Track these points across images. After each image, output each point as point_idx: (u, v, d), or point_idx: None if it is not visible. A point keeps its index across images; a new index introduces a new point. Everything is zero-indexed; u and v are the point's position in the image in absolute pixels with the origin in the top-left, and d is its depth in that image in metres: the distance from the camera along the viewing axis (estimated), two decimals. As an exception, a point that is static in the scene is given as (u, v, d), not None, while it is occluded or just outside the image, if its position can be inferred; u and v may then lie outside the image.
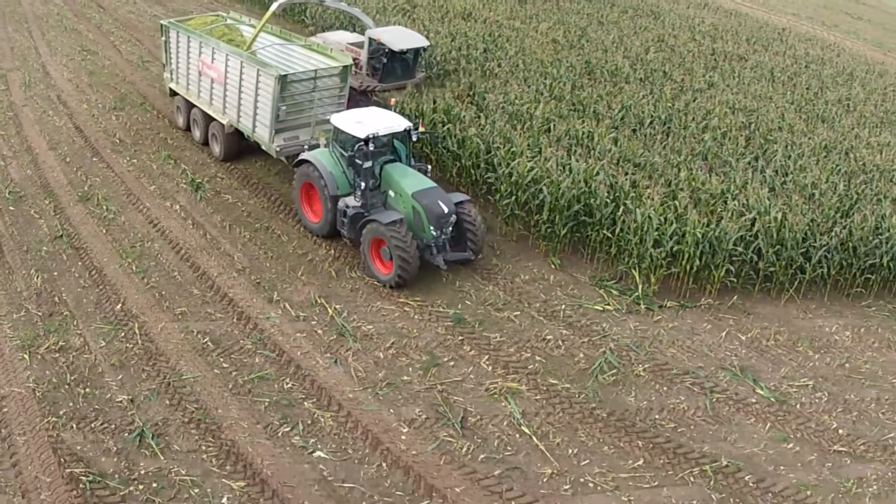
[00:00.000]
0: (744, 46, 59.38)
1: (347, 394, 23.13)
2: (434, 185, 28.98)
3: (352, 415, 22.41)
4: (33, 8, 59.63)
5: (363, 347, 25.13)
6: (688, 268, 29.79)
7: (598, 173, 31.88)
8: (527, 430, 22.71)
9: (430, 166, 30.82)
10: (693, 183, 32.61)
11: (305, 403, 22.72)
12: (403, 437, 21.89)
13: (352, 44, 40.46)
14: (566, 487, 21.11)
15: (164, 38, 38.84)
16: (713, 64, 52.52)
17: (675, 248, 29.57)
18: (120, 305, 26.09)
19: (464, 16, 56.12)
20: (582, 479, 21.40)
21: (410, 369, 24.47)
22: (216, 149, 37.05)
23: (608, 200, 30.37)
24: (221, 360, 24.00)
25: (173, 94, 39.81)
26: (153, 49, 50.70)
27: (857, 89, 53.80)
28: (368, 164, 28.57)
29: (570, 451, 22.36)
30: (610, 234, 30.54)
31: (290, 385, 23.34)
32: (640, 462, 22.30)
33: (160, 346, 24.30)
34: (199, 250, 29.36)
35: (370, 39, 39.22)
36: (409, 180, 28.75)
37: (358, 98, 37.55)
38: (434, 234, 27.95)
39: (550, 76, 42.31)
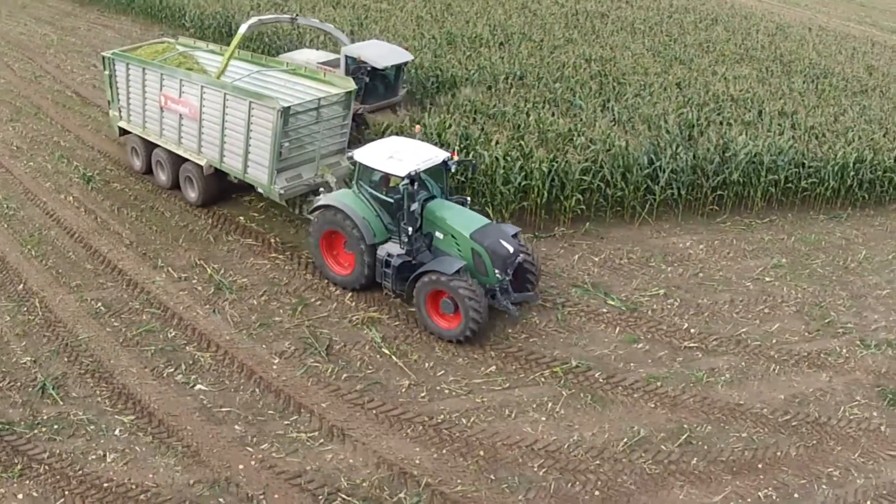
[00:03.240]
0: (606, 4, 61.98)
1: (225, 336, 25.82)
2: (488, 220, 26.62)
3: (228, 353, 25.11)
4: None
5: (239, 297, 27.78)
6: (538, 201, 32.42)
7: (449, 126, 34.56)
8: (387, 351, 25.53)
9: (468, 198, 28.19)
10: (541, 125, 35.38)
11: (187, 348, 25.37)
12: (275, 367, 24.65)
13: (323, 62, 36.95)
14: (423, 395, 23.91)
15: (107, 72, 34.82)
16: (574, 23, 55.25)
17: (523, 184, 32.12)
18: (22, 286, 28.31)
19: (333, 4, 58.08)
20: (438, 388, 24.20)
21: (281, 311, 27.19)
22: (191, 193, 33.53)
23: (460, 147, 32.78)
24: (113, 320, 26.50)
25: (123, 133, 36.17)
26: (44, 65, 52.42)
27: (719, 31, 56.92)
28: (415, 205, 25.72)
29: (427, 364, 25.17)
30: (463, 178, 32.97)
31: (173, 334, 25.93)
32: (493, 368, 25.10)
33: (59, 315, 26.70)
34: (92, 232, 31.59)
35: (348, 57, 36.11)
36: (461, 219, 26.11)
37: None
38: (499, 277, 25.54)
39: (412, 49, 43.05)
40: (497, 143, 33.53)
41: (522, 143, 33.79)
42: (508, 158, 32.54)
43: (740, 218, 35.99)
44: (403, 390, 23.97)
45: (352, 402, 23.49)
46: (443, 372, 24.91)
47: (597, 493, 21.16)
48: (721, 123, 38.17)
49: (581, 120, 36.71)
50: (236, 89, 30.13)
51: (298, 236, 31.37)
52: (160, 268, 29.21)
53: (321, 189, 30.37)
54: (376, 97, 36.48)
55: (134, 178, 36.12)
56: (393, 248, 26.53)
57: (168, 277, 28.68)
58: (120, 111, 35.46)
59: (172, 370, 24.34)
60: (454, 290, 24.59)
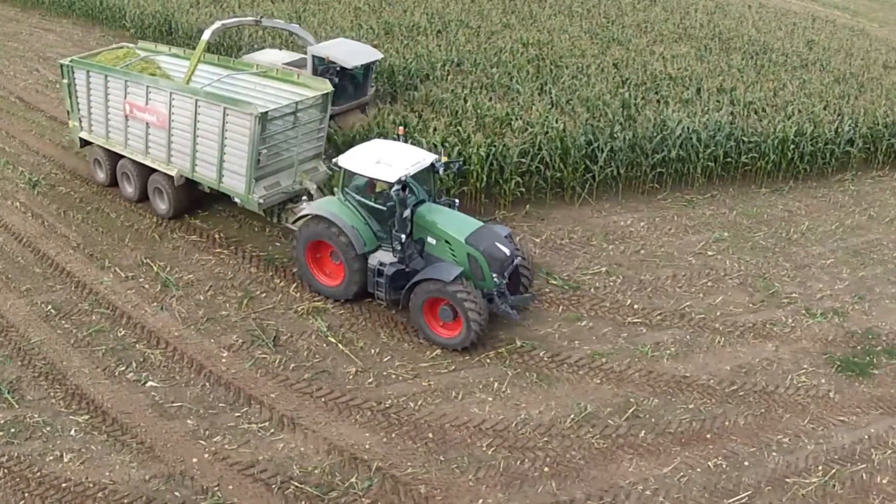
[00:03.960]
0: (543, -13, 61.63)
1: (173, 333, 26.02)
2: (481, 223, 25.95)
3: (177, 349, 25.33)
4: None
5: (185, 293, 27.97)
6: (478, 185, 32.75)
7: (388, 114, 34.91)
8: (333, 340, 25.85)
9: (457, 200, 27.57)
10: (479, 110, 35.66)
11: (137, 346, 25.56)
12: (224, 360, 24.96)
13: (288, 63, 35.47)
14: (370, 381, 24.26)
15: (66, 81, 33.12)
16: (512, 8, 55.56)
17: (462, 169, 32.10)
18: (-29, 294, 27.97)
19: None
20: (385, 373, 24.56)
21: (228, 305, 27.44)
22: (161, 206, 32.20)
23: (396, 136, 32.71)
24: (63, 322, 26.60)
25: (84, 144, 34.50)
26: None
27: (658, 11, 57.57)
28: (407, 212, 24.79)
29: (373, 351, 25.53)
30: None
31: (123, 333, 26.11)
32: (438, 352, 25.42)
33: (10, 320, 26.79)
34: (39, 236, 31.58)
35: (315, 57, 34.83)
36: (454, 223, 25.47)
37: None
38: (496, 281, 24.92)
39: (343, 36, 43.11)
40: (435, 129, 33.83)
41: (460, 128, 34.07)
42: (447, 145, 32.77)
43: (681, 194, 36.52)
44: (351, 377, 24.26)
45: (300, 392, 23.79)
46: (389, 357, 25.23)
47: (546, 469, 21.54)
48: (659, 102, 38.66)
49: (518, 104, 37.07)
50: (209, 95, 28.91)
51: (242, 231, 31.68)
52: (107, 268, 29.30)
53: (304, 198, 29.70)
54: (346, 98, 35.10)
55: (79, 180, 36.04)
56: (384, 257, 25.96)
57: (116, 277, 28.80)
58: (80, 121, 33.83)
59: (124, 369, 24.53)
60: (454, 298, 24.09)
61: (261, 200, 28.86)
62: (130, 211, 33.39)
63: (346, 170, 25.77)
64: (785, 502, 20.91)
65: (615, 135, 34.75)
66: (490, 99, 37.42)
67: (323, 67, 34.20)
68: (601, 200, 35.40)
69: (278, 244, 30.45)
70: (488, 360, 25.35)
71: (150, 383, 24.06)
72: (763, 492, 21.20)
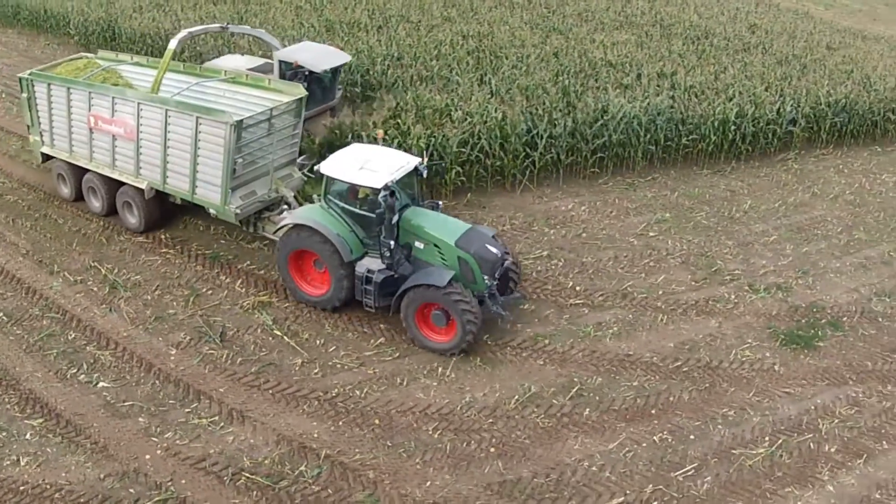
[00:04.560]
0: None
1: (122, 333, 26.26)
2: (469, 225, 25.63)
3: (127, 349, 25.58)
4: None
5: (133, 294, 28.18)
6: (418, 176, 32.71)
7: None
8: (278, 332, 26.18)
9: (440, 202, 27.49)
10: (419, 103, 36.03)
11: (88, 348, 25.75)
12: (172, 358, 25.21)
13: (253, 69, 34.86)
14: (316, 371, 24.65)
15: (25, 95, 32.11)
16: (452, 2, 56.12)
17: None
18: (-77, 308, 28.12)
19: (214, 1, 57.94)
20: (330, 363, 24.95)
21: (175, 303, 27.68)
22: (130, 220, 31.48)
23: (337, 131, 33.48)
24: (15, 328, 26.73)
25: (47, 159, 33.64)
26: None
27: (598, 0, 57.40)
28: (396, 217, 24.56)
29: (318, 342, 25.89)
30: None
31: (73, 336, 26.28)
32: (382, 340, 25.89)
33: (-39, 329, 26.58)
34: (-13, 246, 31.38)
35: (282, 62, 34.20)
36: (442, 227, 25.22)
37: None
38: (487, 283, 24.72)
39: (290, 38, 43.55)
40: (374, 123, 34.21)
41: (399, 121, 34.43)
42: (387, 138, 32.80)
43: (622, 178, 37.09)
44: (297, 368, 24.55)
45: (248, 385, 24.11)
46: (334, 347, 25.55)
47: (492, 450, 21.98)
48: (598, 88, 39.14)
49: (458, 95, 37.50)
50: (180, 104, 27.98)
51: (187, 231, 31.80)
52: (56, 273, 29.42)
53: (284, 207, 29.26)
54: (315, 102, 34.06)
55: (27, 188, 36.06)
56: (372, 263, 25.43)
57: (65, 282, 28.91)
58: (42, 135, 32.77)
59: (75, 371, 24.73)
60: (449, 302, 23.81)
61: (238, 211, 28.29)
62: (77, 216, 33.42)
63: (328, 177, 25.29)
64: (732, 473, 21.43)
65: (554, 122, 35.24)
66: (430, 91, 37.84)
67: (291, 72, 33.51)
68: (542, 187, 35.91)
69: (223, 242, 30.67)
70: (432, 346, 25.50)
71: (101, 384, 24.25)
72: (709, 463, 21.69)
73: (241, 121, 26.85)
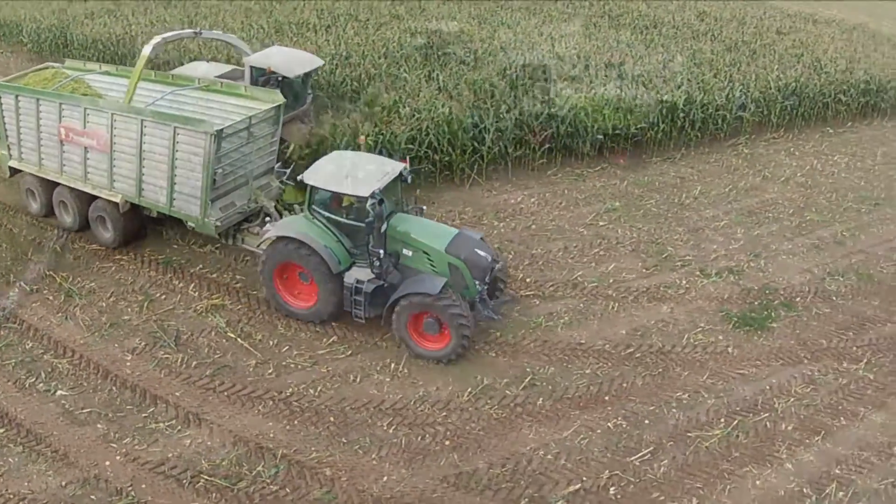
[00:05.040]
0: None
1: (79, 341, 26.37)
2: (456, 230, 25.25)
3: (84, 356, 25.69)
4: None
5: (88, 301, 28.26)
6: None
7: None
8: (232, 335, 26.38)
9: (424, 207, 27.37)
10: (367, 100, 36.24)
11: (45, 356, 25.84)
12: (128, 364, 25.38)
13: (220, 76, 33.30)
14: (270, 372, 24.88)
15: None
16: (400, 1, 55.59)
17: None
18: None
19: (165, 5, 58.18)
20: (284, 363, 25.17)
21: (129, 309, 27.78)
22: (104, 234, 30.58)
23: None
24: (-29, 341, 26.51)
25: (14, 172, 32.50)
26: None
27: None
28: (385, 226, 24.15)
29: (272, 342, 26.10)
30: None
31: (31, 345, 26.37)
32: (335, 338, 26.12)
33: (-81, 342, 26.69)
34: (-58, 259, 31.40)
35: (254, 68, 33.17)
36: (430, 233, 24.79)
37: None
38: (478, 288, 24.45)
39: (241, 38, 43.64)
40: (323, 123, 34.43)
41: (348, 119, 34.77)
42: (335, 136, 33.47)
43: (571, 169, 37.45)
44: (251, 370, 24.67)
45: (204, 388, 24.30)
46: (287, 348, 25.76)
47: (447, 442, 22.33)
48: (546, 81, 39.43)
49: (406, 91, 37.83)
50: (156, 114, 26.92)
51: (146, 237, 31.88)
52: (13, 283, 29.47)
53: (267, 218, 28.51)
54: (287, 108, 31.21)
55: (-22, 200, 35.99)
56: (360, 273, 24.94)
57: (21, 291, 29.03)
58: (9, 149, 31.51)
59: (34, 380, 24.84)
60: (442, 310, 23.51)
61: (218, 223, 27.48)
62: (32, 225, 33.40)
63: (313, 187, 24.64)
64: (689, 455, 21.85)
65: (501, 115, 35.57)
66: (378, 89, 38.04)
67: (264, 78, 32.51)
68: (491, 180, 36.23)
69: (175, 247, 30.65)
70: (384, 343, 25.86)
71: (59, 392, 24.35)
72: (665, 447, 22.09)
73: (222, 130, 26.01)
